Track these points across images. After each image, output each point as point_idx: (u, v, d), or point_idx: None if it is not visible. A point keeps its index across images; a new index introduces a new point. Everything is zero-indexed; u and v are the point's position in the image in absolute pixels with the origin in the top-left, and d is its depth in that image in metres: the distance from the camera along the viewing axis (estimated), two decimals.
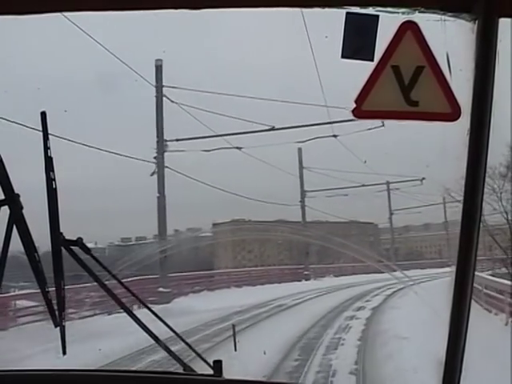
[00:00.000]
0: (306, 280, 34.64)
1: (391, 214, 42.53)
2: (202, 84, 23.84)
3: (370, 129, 22.12)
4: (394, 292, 25.84)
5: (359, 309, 21.66)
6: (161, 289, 22.51)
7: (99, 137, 23.78)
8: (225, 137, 25.89)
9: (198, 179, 25.94)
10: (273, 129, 25.94)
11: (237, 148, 26.64)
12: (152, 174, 24.76)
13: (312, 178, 35.21)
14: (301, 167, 35.65)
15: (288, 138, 27.93)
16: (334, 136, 26.80)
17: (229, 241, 35.65)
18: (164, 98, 24.94)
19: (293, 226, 33.53)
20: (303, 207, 36.12)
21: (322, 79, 22.52)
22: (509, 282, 17.99)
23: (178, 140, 25.41)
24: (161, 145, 25.26)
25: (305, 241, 34.33)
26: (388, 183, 40.66)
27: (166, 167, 24.96)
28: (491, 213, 24.50)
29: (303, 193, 35.93)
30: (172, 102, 24.66)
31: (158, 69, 24.56)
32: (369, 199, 39.64)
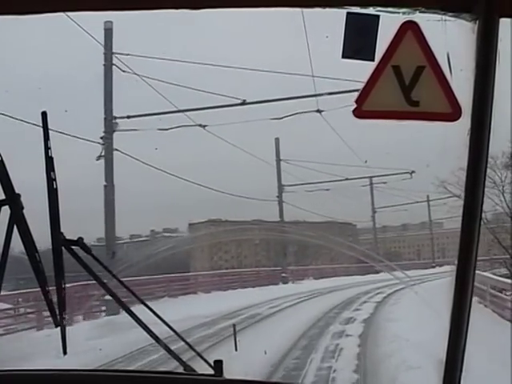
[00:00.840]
0: (284, 283, 31.54)
1: (374, 211, 39.49)
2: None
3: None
4: (385, 298, 23.61)
5: (348, 321, 17.81)
6: (108, 296, 18.82)
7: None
8: (186, 112, 21.75)
9: (156, 166, 22.33)
10: (244, 103, 21.64)
11: (200, 126, 22.17)
12: (98, 159, 20.45)
13: (290, 171, 31.63)
14: (278, 159, 31.75)
15: (263, 115, 22.97)
16: (318, 111, 22.05)
17: (205, 241, 33.03)
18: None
19: (270, 225, 29.95)
20: (280, 203, 32.38)
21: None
22: None
23: (129, 117, 21.39)
24: (109, 123, 20.93)
25: (282, 241, 32.18)
26: (371, 177, 36.75)
27: (116, 150, 20.96)
28: (491, 209, 22.45)
29: (280, 187, 32.11)
30: (123, 71, 20.81)
31: (108, 32, 20.93)
32: (353, 195, 36.60)
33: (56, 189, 2.29)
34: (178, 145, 27.70)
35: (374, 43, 1.82)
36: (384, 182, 35.06)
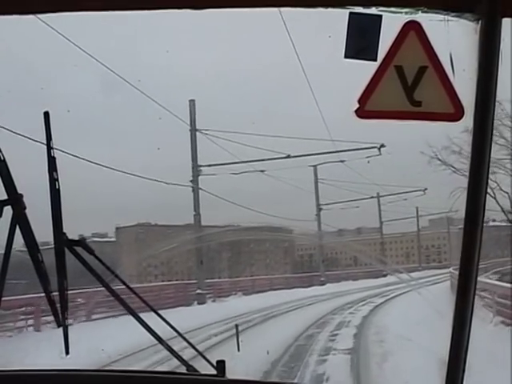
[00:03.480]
0: (200, 303, 22.53)
1: (319, 209, 31.99)
2: None
3: None
4: (356, 336, 14.44)
5: None
6: None
7: None
8: None
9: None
10: None
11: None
12: None
13: (210, 145, 23.79)
14: (193, 129, 23.54)
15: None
16: None
17: (132, 247, 30.14)
18: None
19: (201, 230, 25.92)
20: (196, 191, 24.18)
21: None
22: None
23: None
24: None
25: (213, 248, 27.79)
26: (314, 163, 27.66)
27: None
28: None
29: (196, 168, 23.98)
30: None
31: None
32: (296, 178, 29.53)
33: (59, 189, 2.30)
34: None
35: (376, 43, 1.83)
36: (342, 161, 25.41)
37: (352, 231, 40.15)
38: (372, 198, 33.53)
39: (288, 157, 23.66)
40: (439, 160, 16.89)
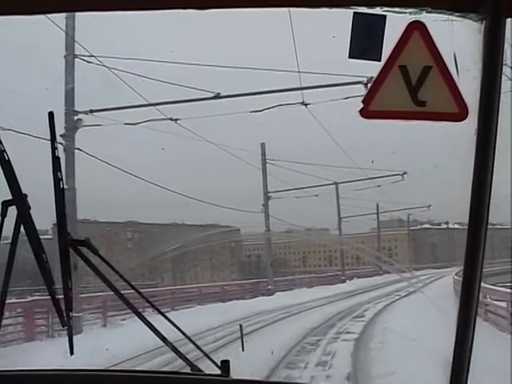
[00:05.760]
0: (59, 336, 12.78)
1: (268, 197, 25.67)
2: None
3: None
4: None
5: None
6: None
7: None
8: None
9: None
10: None
11: None
12: None
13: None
14: (70, 51, 16.70)
15: None
16: None
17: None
18: None
19: (144, 228, 24.65)
20: (69, 151, 15.19)
21: None
22: None
23: None
24: None
25: (156, 247, 25.13)
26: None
27: None
28: None
29: (70, 116, 16.07)
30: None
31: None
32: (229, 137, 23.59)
33: (63, 188, 2.30)
34: None
35: (380, 43, 1.83)
36: (305, 104, 16.19)
37: (306, 228, 33.87)
38: (335, 183, 26.66)
39: (217, 96, 15.11)
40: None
